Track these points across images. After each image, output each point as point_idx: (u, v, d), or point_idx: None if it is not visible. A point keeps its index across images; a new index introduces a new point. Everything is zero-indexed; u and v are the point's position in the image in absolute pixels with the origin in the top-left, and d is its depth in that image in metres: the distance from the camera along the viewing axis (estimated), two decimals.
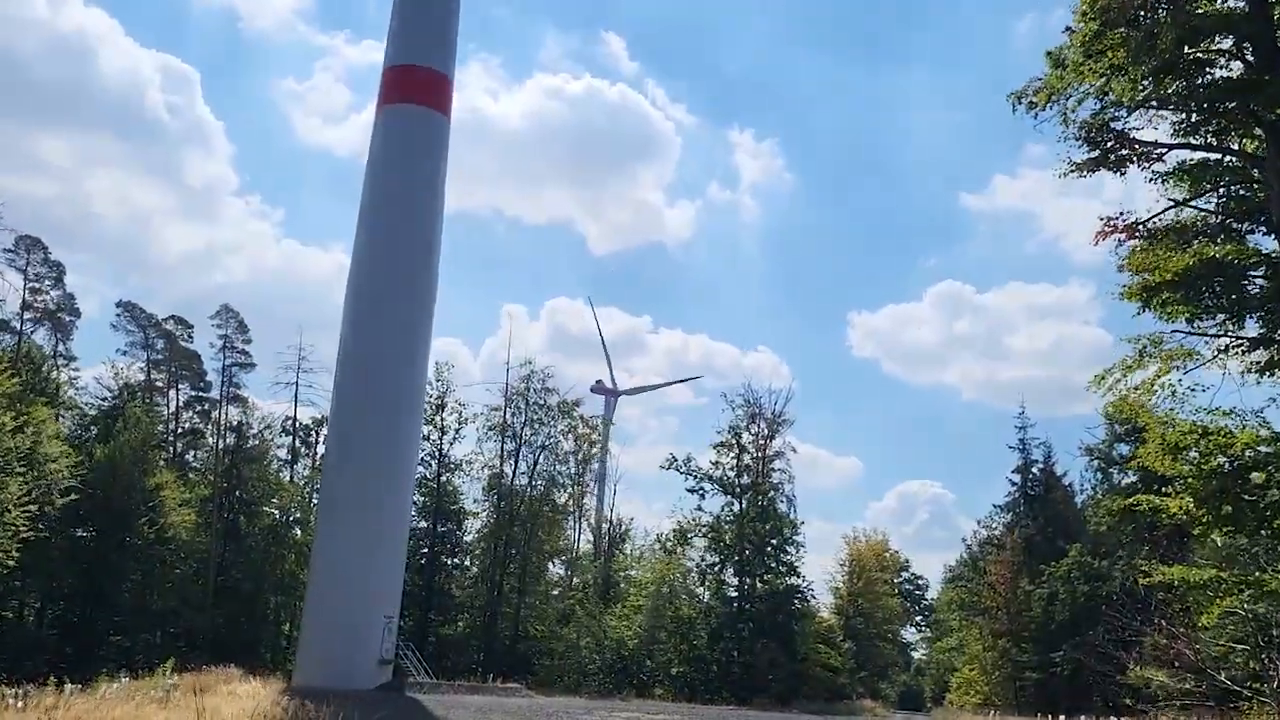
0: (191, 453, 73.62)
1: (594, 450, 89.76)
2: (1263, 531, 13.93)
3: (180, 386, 72.74)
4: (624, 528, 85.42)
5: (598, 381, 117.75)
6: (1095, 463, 66.74)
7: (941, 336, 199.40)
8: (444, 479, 69.86)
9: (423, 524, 68.10)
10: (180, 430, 72.94)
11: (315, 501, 58.07)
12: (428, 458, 68.38)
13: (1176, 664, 18.12)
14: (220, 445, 67.40)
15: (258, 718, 13.02)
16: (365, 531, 46.01)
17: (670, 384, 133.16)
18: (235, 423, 68.62)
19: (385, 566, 47.33)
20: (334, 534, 46.64)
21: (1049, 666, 57.02)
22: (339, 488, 47.67)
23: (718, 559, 70.55)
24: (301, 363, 70.17)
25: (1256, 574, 15.46)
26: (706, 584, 70.96)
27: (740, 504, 70.26)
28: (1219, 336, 14.89)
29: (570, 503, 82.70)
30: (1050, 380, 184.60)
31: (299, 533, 66.38)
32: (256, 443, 69.42)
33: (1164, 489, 19.62)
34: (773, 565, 69.10)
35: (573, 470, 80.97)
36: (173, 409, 72.72)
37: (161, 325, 70.98)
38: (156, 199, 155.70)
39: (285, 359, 69.97)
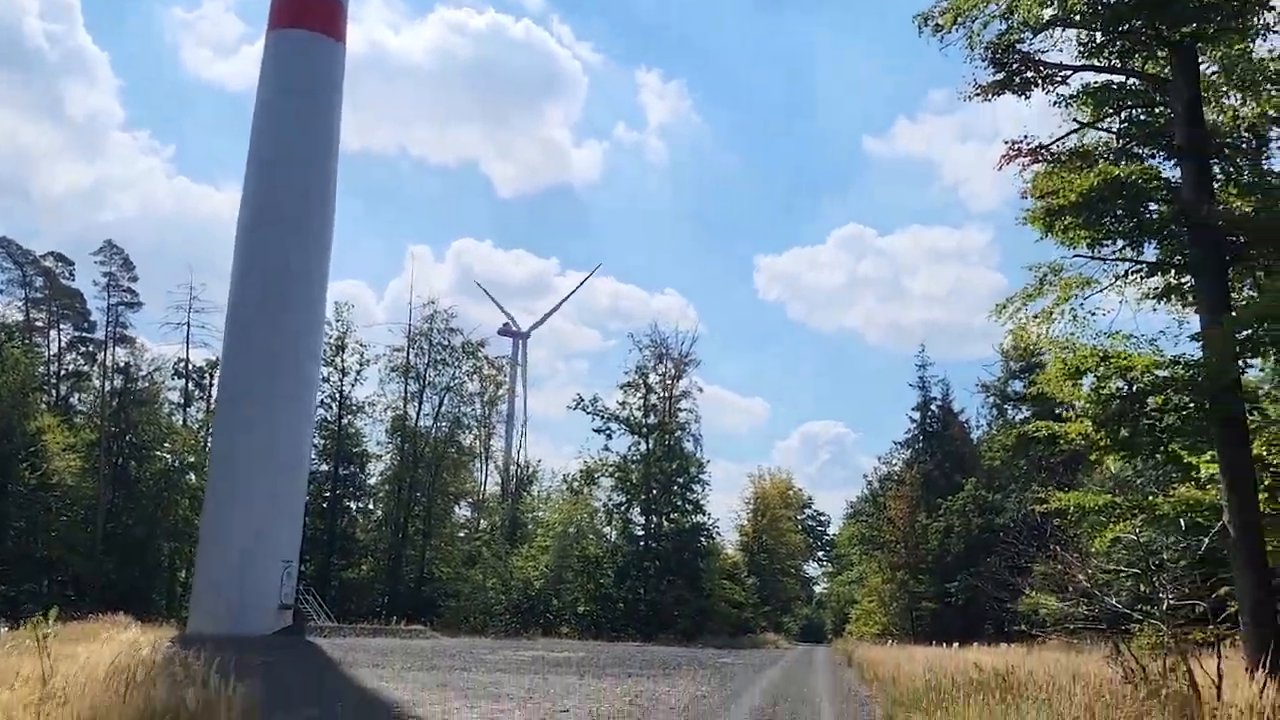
0: (76, 396, 70.23)
1: (500, 392, 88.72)
2: (1158, 455, 13.96)
3: (62, 327, 69.19)
4: (532, 470, 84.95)
5: (505, 324, 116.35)
6: (991, 399, 68.38)
7: (845, 279, 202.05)
8: (345, 421, 68.21)
9: (324, 467, 66.49)
10: (63, 372, 69.53)
11: (209, 446, 56.02)
12: (328, 400, 66.63)
13: (1069, 589, 18.26)
14: (107, 388, 64.43)
15: (120, 667, 12.09)
16: (261, 476, 44.61)
17: (572, 292, 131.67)
18: (123, 364, 65.60)
19: (283, 511, 46.04)
20: (228, 478, 45.10)
21: (944, 597, 58.62)
22: (232, 431, 45.99)
23: (624, 499, 70.63)
24: (194, 303, 67.29)
25: (1149, 499, 15.53)
26: (613, 523, 71.06)
27: (647, 444, 70.27)
28: (1119, 261, 14.74)
29: (477, 445, 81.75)
30: (949, 322, 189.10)
31: (193, 478, 64.11)
32: (146, 385, 66.52)
33: (1057, 422, 19.78)
34: (679, 504, 69.49)
35: (479, 412, 79.95)
36: (54, 350, 69.25)
37: (40, 262, 67.22)
38: (38, 133, 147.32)
39: (176, 299, 67.11)
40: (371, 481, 71.47)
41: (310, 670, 23.52)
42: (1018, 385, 64.01)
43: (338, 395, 67.53)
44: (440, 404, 71.46)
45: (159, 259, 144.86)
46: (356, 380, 68.86)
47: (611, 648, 45.63)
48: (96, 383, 67.09)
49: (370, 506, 72.15)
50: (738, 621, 71.42)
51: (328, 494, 65.92)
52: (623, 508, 70.67)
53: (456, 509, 78.86)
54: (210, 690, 11.58)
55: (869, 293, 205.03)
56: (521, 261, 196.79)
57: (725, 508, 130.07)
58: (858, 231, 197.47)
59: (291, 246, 46.47)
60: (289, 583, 47.01)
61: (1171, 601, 15.52)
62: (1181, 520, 16.47)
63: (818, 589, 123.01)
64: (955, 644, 34.21)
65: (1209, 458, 13.93)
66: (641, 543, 68.88)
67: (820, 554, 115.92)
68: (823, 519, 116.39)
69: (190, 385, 71.73)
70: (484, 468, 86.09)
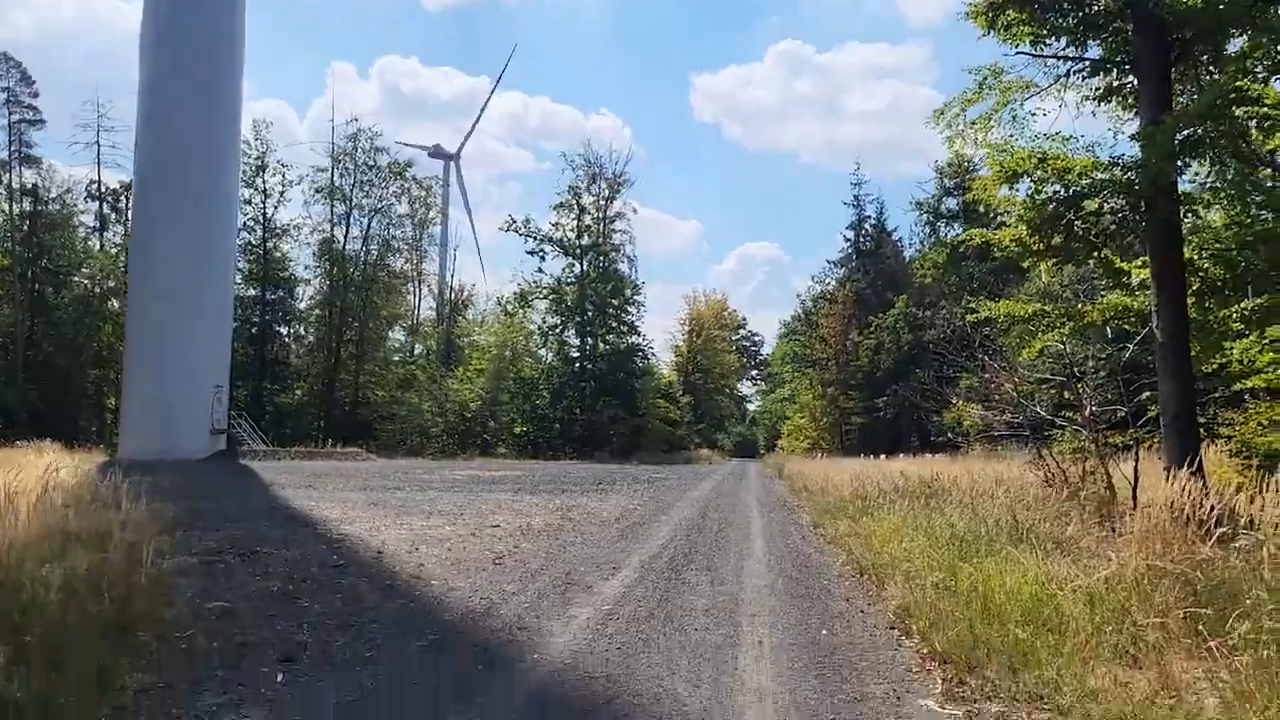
0: None
1: (431, 215, 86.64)
2: (1091, 261, 13.76)
3: None
4: (466, 294, 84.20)
5: (435, 145, 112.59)
6: (924, 217, 68.47)
7: (781, 97, 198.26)
8: (271, 244, 66.28)
9: (251, 292, 65.01)
10: None
11: (128, 269, 54.03)
12: (251, 222, 64.49)
13: (995, 399, 18.45)
14: (15, 210, 61.41)
15: (27, 488, 11.52)
16: (184, 297, 43.31)
17: (493, 89, 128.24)
18: (30, 186, 62.37)
19: (209, 334, 45.00)
20: (149, 303, 43.68)
21: (873, 411, 60.16)
22: (150, 254, 44.24)
23: (559, 320, 70.48)
24: (102, 121, 63.86)
25: (1078, 307, 15.44)
26: (548, 345, 71.17)
27: (581, 265, 69.63)
28: (1061, 60, 14.10)
29: (409, 269, 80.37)
30: (886, 141, 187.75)
31: (115, 304, 62.24)
32: (58, 208, 63.59)
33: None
34: (614, 325, 69.56)
35: (410, 235, 78.20)
36: None
37: None
38: None
39: (83, 117, 63.43)
40: (301, 306, 70.33)
41: (239, 491, 23.24)
42: (951, 203, 64.06)
43: (261, 218, 65.37)
44: (368, 226, 69.71)
45: (61, 78, 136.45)
46: (280, 202, 66.67)
47: (547, 466, 46.22)
48: (4, 205, 63.88)
49: (302, 331, 71.20)
50: (672, 439, 72.90)
51: (256, 319, 64.70)
52: (558, 330, 70.64)
53: (390, 333, 78.19)
54: (123, 512, 11.12)
55: (805, 111, 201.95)
56: (450, 79, 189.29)
57: (661, 329, 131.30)
58: (795, 48, 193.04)
59: (199, 54, 43.66)
60: (220, 407, 46.47)
61: (1094, 409, 15.70)
62: (1108, 328, 16.53)
63: (751, 407, 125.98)
64: (882, 456, 35.19)
65: (1140, 263, 13.76)
66: (577, 364, 69.19)
67: (754, 373, 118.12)
68: (757, 339, 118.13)
69: (105, 208, 68.82)
70: (417, 292, 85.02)
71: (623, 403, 66.19)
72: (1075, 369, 16.96)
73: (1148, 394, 15.48)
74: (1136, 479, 14.49)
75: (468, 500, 21.51)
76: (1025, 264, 14.56)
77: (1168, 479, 12.17)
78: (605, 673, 6.76)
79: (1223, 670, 6.06)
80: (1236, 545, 7.94)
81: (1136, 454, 14.82)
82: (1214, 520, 8.79)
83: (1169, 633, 7.02)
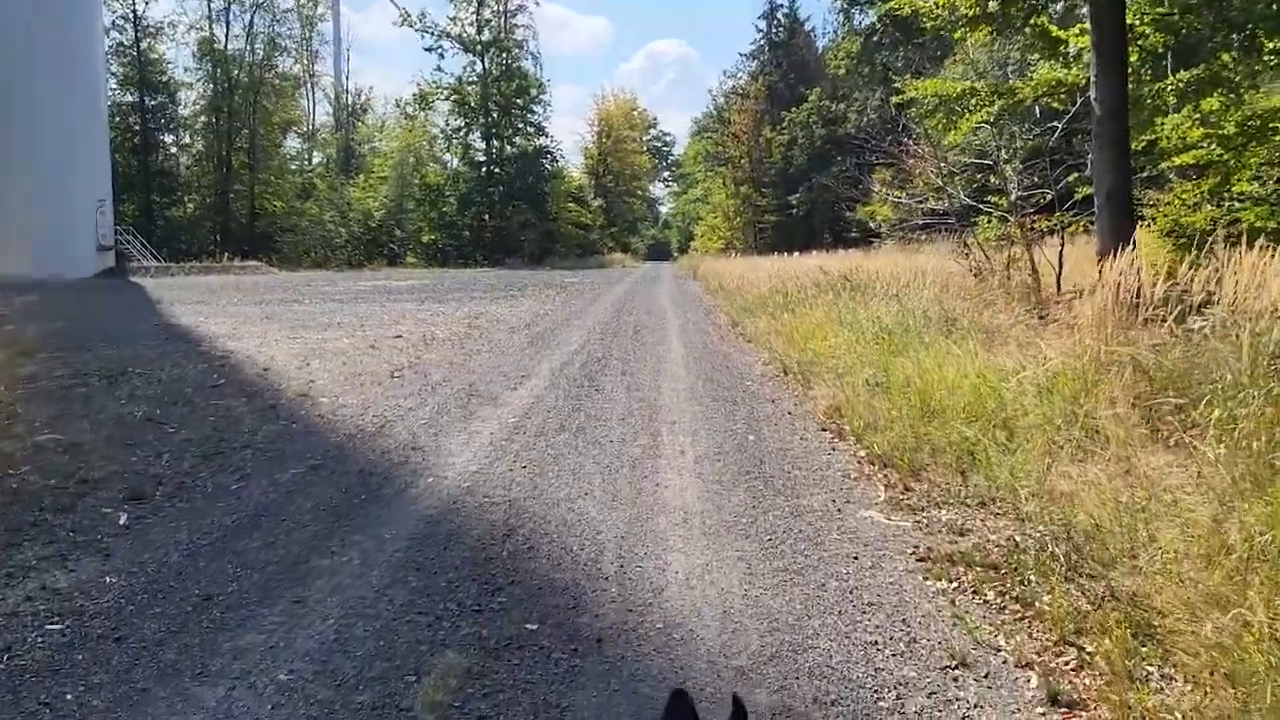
0: None
1: (320, 10, 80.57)
2: (1027, 29, 12.65)
3: None
4: (364, 98, 79.50)
5: None
6: (838, 5, 65.75)
7: None
8: (145, 45, 60.98)
9: (128, 98, 60.27)
10: None
11: None
12: (120, 20, 59.07)
13: (918, 184, 17.63)
14: None
15: None
16: (49, 105, 39.67)
17: None
18: None
19: (84, 144, 41.57)
20: (13, 105, 39.89)
21: (786, 209, 59.35)
22: (10, 54, 40.11)
23: (463, 123, 67.30)
24: None
25: (1009, 83, 14.44)
26: (453, 149, 68.23)
27: (483, 63, 65.98)
28: None
29: (300, 70, 75.23)
30: None
31: None
32: None
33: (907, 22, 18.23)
34: (520, 127, 66.75)
35: (298, 33, 72.70)
36: None
37: None
38: None
39: None
40: (185, 113, 65.52)
41: (121, 310, 21.61)
42: None
43: (131, 15, 59.81)
44: (251, 23, 64.46)
45: None
46: None
47: (457, 275, 44.83)
48: None
49: (188, 140, 66.71)
50: (585, 243, 71.59)
51: (137, 127, 60.24)
52: (462, 132, 67.59)
53: (285, 141, 73.84)
54: None
55: None
56: None
57: (569, 132, 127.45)
58: None
59: None
60: (105, 222, 43.62)
61: (1019, 193, 14.96)
62: (1037, 107, 15.62)
63: (663, 209, 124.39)
64: (796, 254, 34.58)
65: (1078, 30, 12.70)
66: (484, 168, 66.61)
67: (666, 174, 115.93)
68: (668, 139, 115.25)
69: None
70: (311, 97, 80.00)
71: (533, 208, 64.28)
72: (1002, 150, 16.14)
73: (1075, 175, 14.77)
74: (1061, 264, 13.92)
75: (370, 311, 20.30)
76: (956, 35, 13.38)
77: (1101, 261, 11.60)
78: (508, 497, 5.90)
79: (1195, 464, 5.42)
80: (1197, 327, 7.29)
81: (1062, 239, 14.23)
82: (1162, 302, 8.13)
83: (1127, 425, 6.39)
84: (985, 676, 3.60)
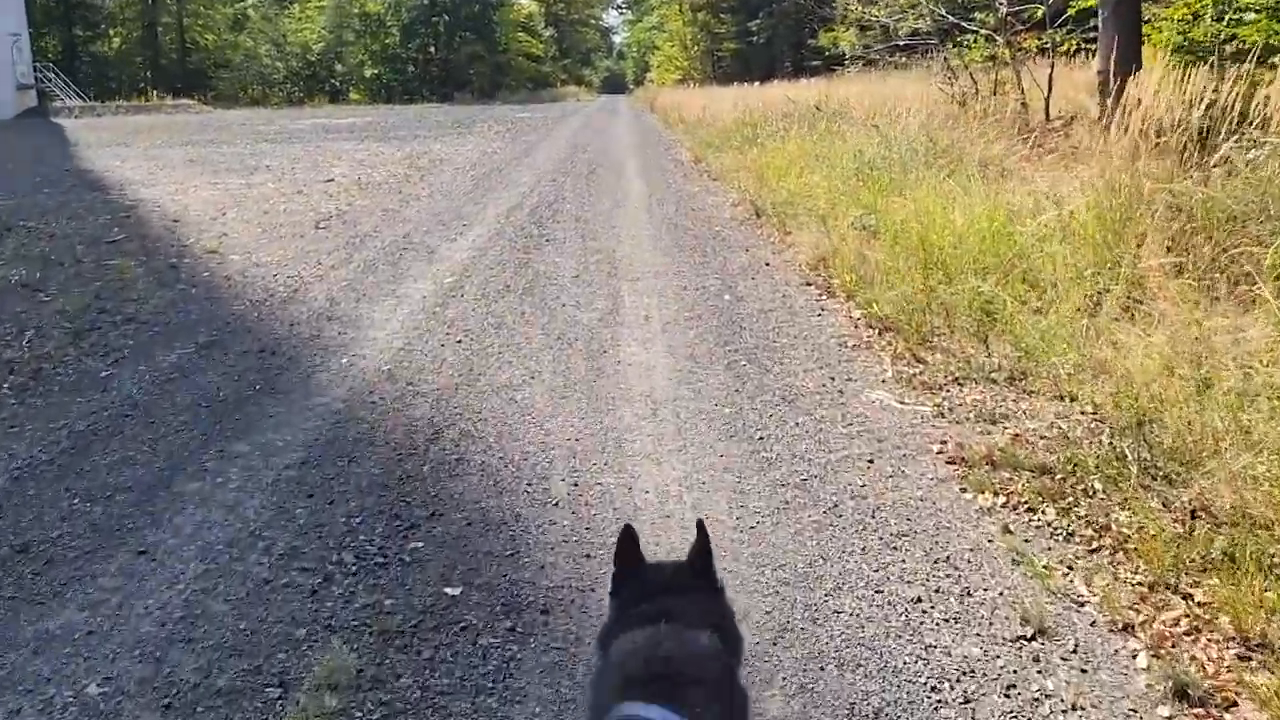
0: None
1: None
2: None
3: None
4: None
5: None
6: None
7: None
8: None
9: None
10: None
11: None
12: None
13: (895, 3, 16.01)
14: None
15: None
16: None
17: None
18: None
19: None
20: None
21: (746, 36, 56.46)
22: None
23: None
24: None
25: None
26: None
27: None
28: None
29: None
30: None
31: None
32: None
33: None
34: None
35: None
36: None
37: None
38: None
39: None
40: None
41: (31, 153, 19.68)
42: None
43: None
44: None
45: None
46: None
47: (403, 111, 42.33)
48: None
49: None
50: (537, 76, 68.36)
51: None
52: None
53: None
54: None
55: None
56: None
57: None
58: None
59: None
60: (22, 58, 40.34)
61: (1008, 8, 13.50)
62: None
63: (618, 39, 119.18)
64: (757, 83, 32.66)
65: None
66: None
67: (620, 2, 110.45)
68: None
69: None
70: None
71: (481, 39, 60.76)
72: None
73: None
74: (1051, 88, 12.62)
75: (304, 152, 18.57)
76: None
77: (1101, 83, 10.36)
78: (436, 385, 4.76)
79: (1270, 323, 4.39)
80: (1248, 158, 6.16)
81: (1053, 60, 12.88)
82: (1195, 131, 6.96)
83: (1179, 278, 5.33)
84: (1074, 652, 2.61)
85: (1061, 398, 4.36)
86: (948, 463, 3.79)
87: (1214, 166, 6.40)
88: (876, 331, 5.54)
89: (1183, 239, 5.76)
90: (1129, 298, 5.30)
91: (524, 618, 2.75)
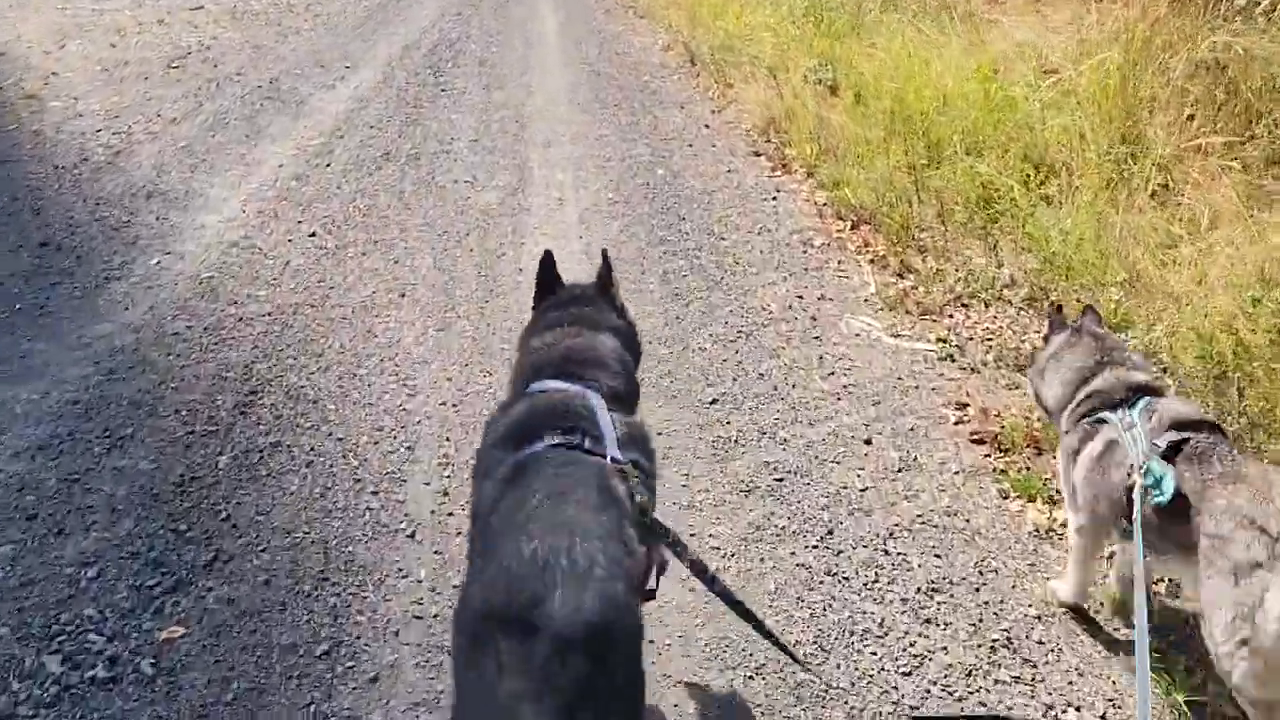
0: None
1: None
2: None
3: None
4: None
5: None
6: None
7: None
8: None
9: None
10: None
11: None
12: None
13: None
14: None
15: None
16: None
17: None
18: None
19: None
20: None
21: None
22: None
23: None
24: None
25: None
26: None
27: None
28: None
29: None
30: None
31: None
32: None
33: None
34: None
35: None
36: None
37: None
38: None
39: None
40: None
41: None
42: None
43: None
44: None
45: None
46: None
47: None
48: None
49: None
50: None
51: None
52: None
53: None
54: None
55: None
56: None
57: None
58: None
59: None
60: None
61: None
62: None
63: None
64: None
65: None
66: None
67: None
68: None
69: None
70: None
71: None
72: None
73: None
74: None
75: None
76: None
77: None
78: (269, 306, 3.42)
79: None
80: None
81: None
82: None
83: (1208, 155, 4.20)
84: None
85: (1128, 324, 3.24)
86: (974, 441, 2.67)
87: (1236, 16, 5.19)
88: (849, 225, 4.32)
89: (1213, 109, 4.62)
90: (1155, 184, 4.17)
91: None
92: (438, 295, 3.54)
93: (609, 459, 1.53)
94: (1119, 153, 4.25)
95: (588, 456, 1.53)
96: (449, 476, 2.42)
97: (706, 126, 6.06)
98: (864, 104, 5.41)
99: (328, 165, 5.12)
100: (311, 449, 2.53)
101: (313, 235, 4.12)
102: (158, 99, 6.58)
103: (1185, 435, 1.74)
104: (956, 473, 2.52)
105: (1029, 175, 4.29)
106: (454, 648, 1.34)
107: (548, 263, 2.00)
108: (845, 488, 2.43)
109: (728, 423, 2.72)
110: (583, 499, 1.42)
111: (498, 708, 1.18)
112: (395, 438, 2.60)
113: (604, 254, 2.04)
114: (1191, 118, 4.72)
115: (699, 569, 1.53)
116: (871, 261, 3.91)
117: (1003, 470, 2.52)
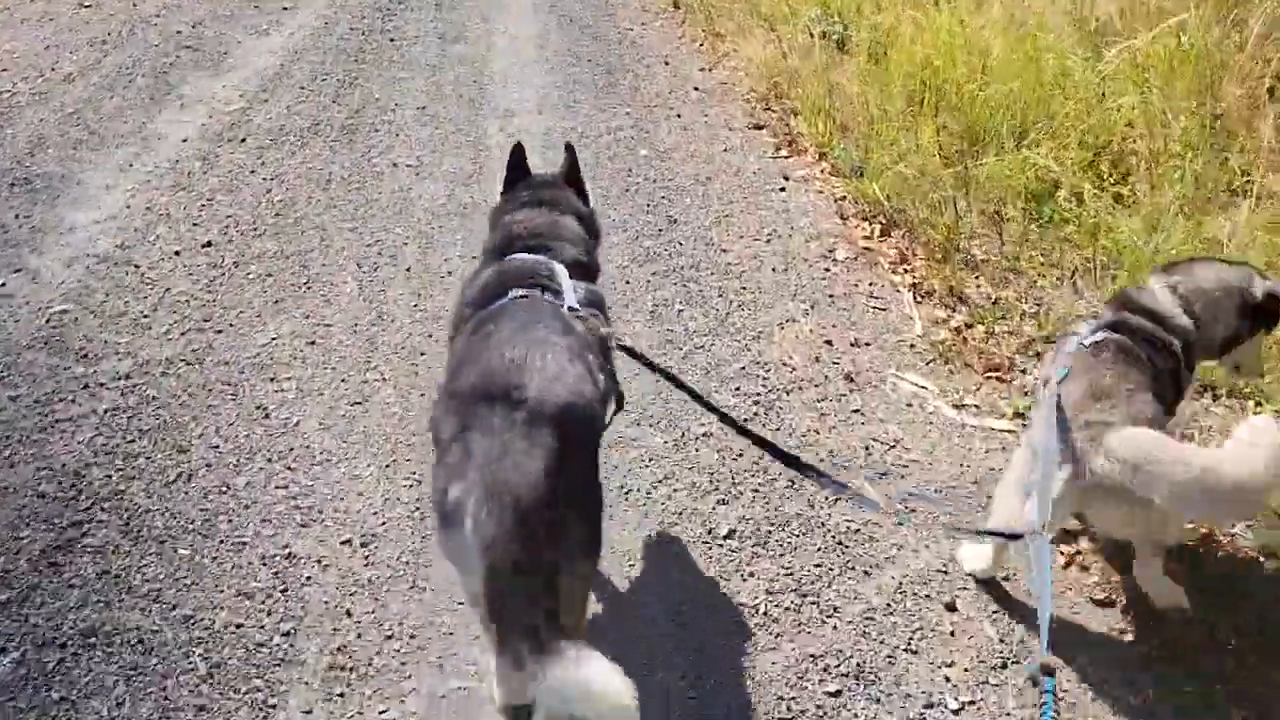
0: None
1: None
2: None
3: None
4: None
5: None
6: None
7: None
8: None
9: None
10: None
11: None
12: None
13: None
14: None
15: None
16: None
17: None
18: None
19: None
20: None
21: None
22: None
23: None
24: None
25: None
26: None
27: None
28: None
29: None
30: None
31: None
32: None
33: None
34: None
35: None
36: None
37: None
38: None
39: None
40: None
41: None
42: None
43: None
44: None
45: None
46: None
47: None
48: None
49: None
50: None
51: None
52: None
53: None
54: None
55: None
56: None
57: None
58: None
59: None
60: None
61: None
62: None
63: None
64: None
65: None
66: None
67: None
68: None
69: None
70: None
71: None
72: None
73: None
74: None
75: None
76: None
77: None
78: (129, 363, 2.53)
79: None
80: None
81: None
82: None
83: None
84: None
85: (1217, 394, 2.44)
86: (1097, 603, 1.86)
87: None
88: (876, 230, 3.46)
89: None
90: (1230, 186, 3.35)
91: None
92: (359, 343, 2.66)
93: (567, 308, 1.69)
94: (1212, 142, 3.40)
95: (550, 302, 1.70)
96: (343, 695, 1.58)
97: (696, 89, 5.12)
98: (881, 66, 4.51)
99: (243, 140, 4.17)
100: (138, 643, 1.68)
101: (207, 246, 3.21)
102: (57, 47, 5.55)
103: None
104: (1104, 683, 1.70)
105: (1103, 171, 3.43)
106: (435, 426, 1.48)
107: (518, 153, 2.12)
108: (931, 705, 1.62)
109: (750, 573, 1.89)
110: (549, 325, 1.58)
111: (480, 468, 1.32)
112: (269, 614, 1.75)
113: (568, 146, 2.21)
114: (1271, 90, 3.89)
115: (668, 375, 1.79)
116: (913, 286, 3.06)
117: (1161, 675, 1.71)
